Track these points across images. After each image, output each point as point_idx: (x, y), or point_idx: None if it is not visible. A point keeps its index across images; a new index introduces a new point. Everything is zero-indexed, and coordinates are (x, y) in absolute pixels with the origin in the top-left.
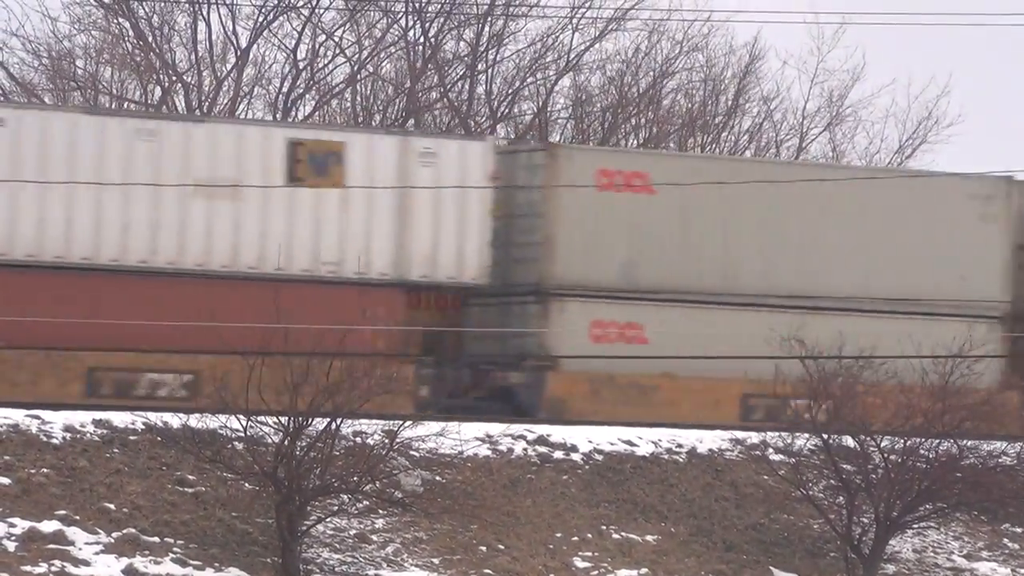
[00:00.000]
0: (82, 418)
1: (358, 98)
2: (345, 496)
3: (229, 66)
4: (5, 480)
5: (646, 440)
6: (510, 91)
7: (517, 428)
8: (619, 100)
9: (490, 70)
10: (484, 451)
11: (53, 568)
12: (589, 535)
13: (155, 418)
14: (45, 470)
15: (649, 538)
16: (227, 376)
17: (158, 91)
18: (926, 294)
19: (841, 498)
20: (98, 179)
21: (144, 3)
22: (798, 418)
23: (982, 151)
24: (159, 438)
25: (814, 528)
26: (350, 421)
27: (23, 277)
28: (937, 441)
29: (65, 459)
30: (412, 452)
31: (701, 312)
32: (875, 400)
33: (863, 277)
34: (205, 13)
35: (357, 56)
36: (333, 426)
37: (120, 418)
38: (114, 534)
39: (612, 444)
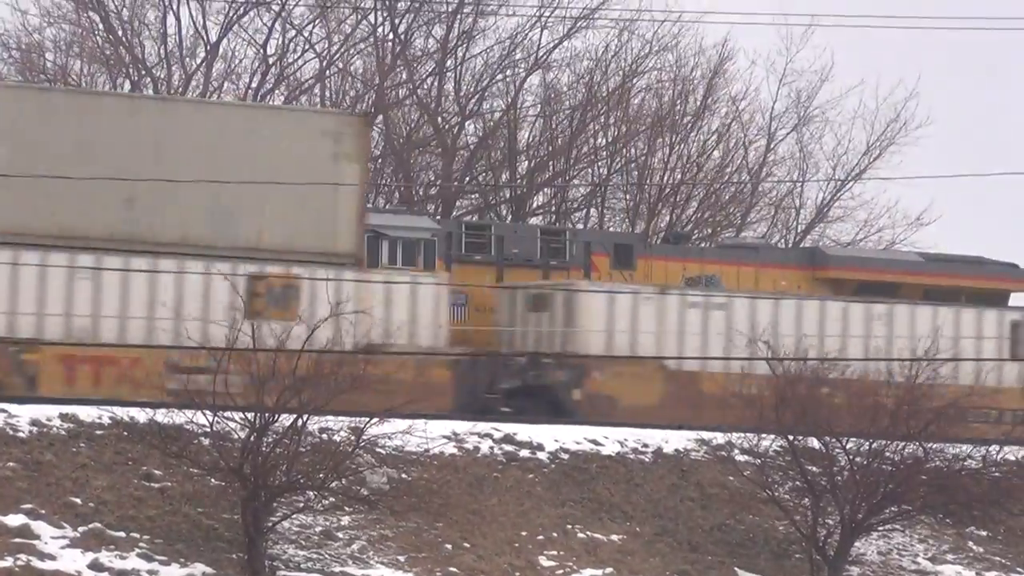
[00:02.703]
0: (48, 412)
1: (327, 93)
2: (311, 493)
3: (199, 60)
4: None
5: (612, 440)
6: (479, 88)
7: (483, 427)
8: (588, 98)
9: (459, 67)
10: (450, 449)
11: (19, 562)
12: (554, 534)
13: (121, 412)
14: (11, 464)
15: (614, 538)
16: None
17: (127, 84)
18: None
19: (806, 500)
20: None
21: None
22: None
23: (950, 153)
24: (125, 433)
25: (779, 529)
26: (316, 418)
27: None
28: (903, 444)
29: (31, 453)
30: (378, 449)
31: None
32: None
33: None
34: (175, 7)
35: (326, 51)
36: (299, 422)
37: (86, 412)
38: (80, 528)
39: (578, 443)
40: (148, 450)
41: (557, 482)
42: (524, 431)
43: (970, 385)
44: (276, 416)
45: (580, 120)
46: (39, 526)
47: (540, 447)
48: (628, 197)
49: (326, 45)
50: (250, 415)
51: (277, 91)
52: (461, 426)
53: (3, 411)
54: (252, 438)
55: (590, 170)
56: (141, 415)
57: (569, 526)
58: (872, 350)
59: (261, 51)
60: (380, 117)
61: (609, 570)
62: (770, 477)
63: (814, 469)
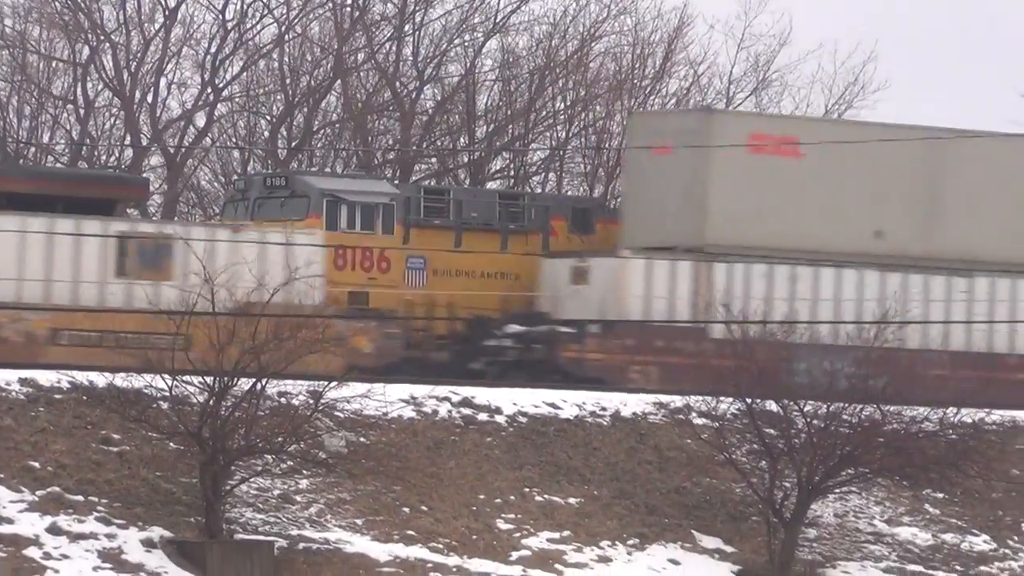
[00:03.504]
0: (7, 376)
1: (286, 59)
2: (269, 456)
3: (157, 26)
4: None
5: (570, 403)
6: (437, 53)
7: (441, 390)
8: (546, 63)
9: (417, 32)
10: (409, 413)
11: None
12: (512, 497)
13: (81, 377)
14: None
15: (572, 501)
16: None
17: (86, 51)
18: None
19: (764, 462)
20: None
21: None
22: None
23: (908, 116)
24: (84, 397)
25: (736, 492)
26: (275, 381)
27: None
28: (860, 406)
29: None
30: (337, 413)
31: None
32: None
33: None
34: None
35: (285, 17)
36: (258, 386)
37: (46, 376)
38: (38, 492)
39: (536, 407)
40: (107, 414)
41: (515, 445)
42: (483, 394)
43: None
44: (235, 380)
45: (538, 85)
46: None
47: (498, 410)
48: (586, 161)
49: (284, 10)
50: (209, 379)
51: (235, 56)
52: (420, 390)
53: None
54: (211, 402)
55: (548, 134)
56: (100, 379)
57: (527, 489)
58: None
59: (219, 16)
60: (338, 82)
61: (567, 533)
62: (727, 440)
63: (771, 432)
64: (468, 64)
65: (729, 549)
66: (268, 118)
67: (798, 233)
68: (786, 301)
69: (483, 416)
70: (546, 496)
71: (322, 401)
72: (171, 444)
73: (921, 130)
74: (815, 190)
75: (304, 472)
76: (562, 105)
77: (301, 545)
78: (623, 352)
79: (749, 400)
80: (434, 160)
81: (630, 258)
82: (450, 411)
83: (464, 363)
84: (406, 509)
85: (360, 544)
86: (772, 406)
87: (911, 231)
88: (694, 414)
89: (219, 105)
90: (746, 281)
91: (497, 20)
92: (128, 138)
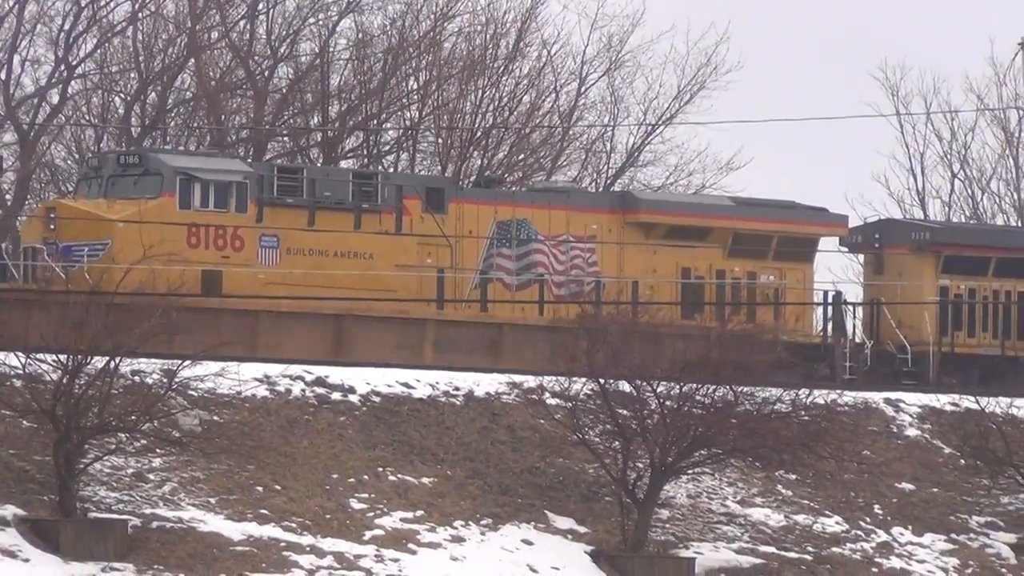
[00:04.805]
0: None
1: (140, 36)
2: (123, 435)
3: (11, 2)
4: None
5: (423, 383)
6: (291, 32)
7: (295, 369)
8: (400, 42)
9: (271, 11)
10: (262, 392)
11: None
12: (366, 477)
13: None
14: None
15: (425, 480)
16: None
17: None
18: None
19: (617, 443)
20: None
21: None
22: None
23: (760, 97)
24: None
25: (590, 472)
26: (129, 360)
27: None
28: (713, 387)
29: None
30: (190, 392)
31: None
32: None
33: None
34: None
35: None
36: (112, 365)
37: None
38: None
39: (390, 386)
40: None
41: (368, 425)
42: (336, 374)
43: None
44: (89, 358)
45: (392, 64)
46: None
47: (352, 390)
48: (439, 140)
49: None
50: (63, 357)
51: (89, 34)
52: (273, 368)
53: None
54: (65, 380)
55: (402, 114)
56: None
57: (380, 469)
58: None
59: None
60: (192, 60)
61: (420, 512)
62: (581, 420)
63: (625, 412)
64: (322, 43)
65: (582, 529)
66: (122, 96)
67: None
68: None
69: (336, 395)
70: (399, 476)
71: (176, 379)
72: (24, 422)
73: None
74: None
75: (158, 451)
76: (415, 85)
77: (155, 524)
78: None
79: (602, 380)
80: (287, 139)
81: None
82: (303, 390)
83: None
84: (260, 488)
85: (214, 523)
86: (625, 387)
87: None
88: (547, 394)
89: (73, 82)
90: None
91: None
92: None
